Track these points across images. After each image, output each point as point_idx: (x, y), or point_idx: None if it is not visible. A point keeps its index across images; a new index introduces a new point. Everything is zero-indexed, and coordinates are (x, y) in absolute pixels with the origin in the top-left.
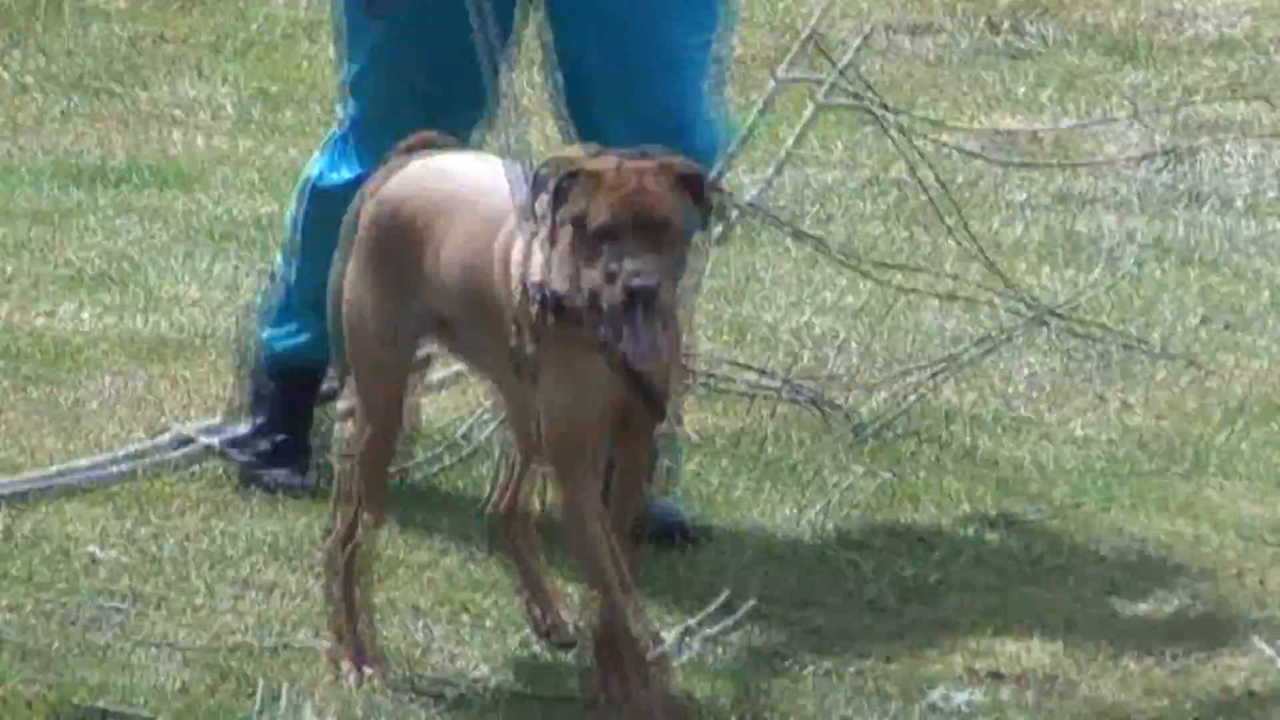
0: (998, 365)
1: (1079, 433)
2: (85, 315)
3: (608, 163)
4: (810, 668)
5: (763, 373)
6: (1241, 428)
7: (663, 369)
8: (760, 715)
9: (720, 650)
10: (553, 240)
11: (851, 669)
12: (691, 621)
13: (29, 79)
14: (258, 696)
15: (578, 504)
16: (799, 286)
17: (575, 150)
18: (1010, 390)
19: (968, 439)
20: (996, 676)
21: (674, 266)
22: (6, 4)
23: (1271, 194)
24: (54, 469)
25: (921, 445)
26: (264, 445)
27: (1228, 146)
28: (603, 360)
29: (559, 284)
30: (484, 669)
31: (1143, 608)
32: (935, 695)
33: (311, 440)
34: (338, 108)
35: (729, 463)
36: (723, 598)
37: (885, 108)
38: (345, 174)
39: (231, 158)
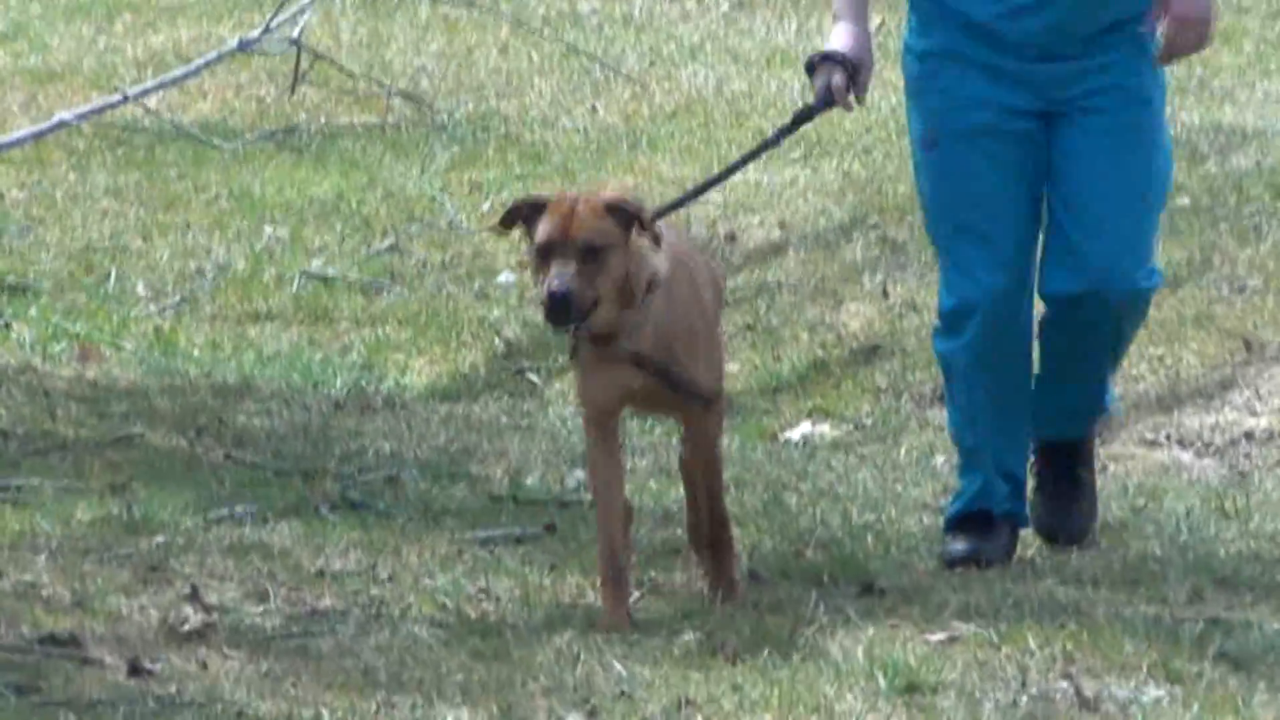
0: None
1: None
2: None
3: (557, 197)
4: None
5: None
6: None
7: (675, 359)
8: None
9: None
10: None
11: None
12: None
13: None
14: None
15: (592, 451)
16: None
17: (547, 192)
18: None
19: None
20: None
21: (598, 274)
22: None
23: None
24: None
25: None
26: None
27: None
28: (626, 359)
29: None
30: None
31: None
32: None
33: None
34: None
35: None
36: None
37: None
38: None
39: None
